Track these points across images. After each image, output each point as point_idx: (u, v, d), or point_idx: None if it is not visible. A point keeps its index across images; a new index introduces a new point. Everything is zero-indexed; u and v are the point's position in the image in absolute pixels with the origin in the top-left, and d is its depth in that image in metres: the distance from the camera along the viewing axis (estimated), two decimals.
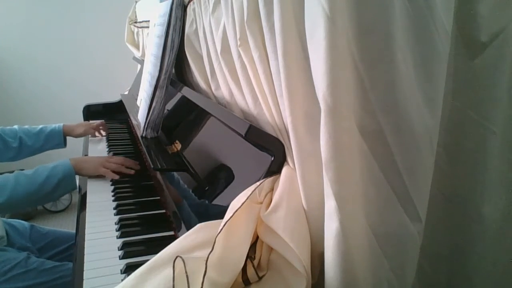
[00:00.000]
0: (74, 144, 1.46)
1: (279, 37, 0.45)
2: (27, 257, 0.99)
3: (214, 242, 0.47)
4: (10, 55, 2.34)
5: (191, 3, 0.85)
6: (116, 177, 1.06)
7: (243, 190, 0.53)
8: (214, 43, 0.73)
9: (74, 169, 1.02)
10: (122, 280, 0.61)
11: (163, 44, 0.91)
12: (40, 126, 1.37)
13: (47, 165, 0.99)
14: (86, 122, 1.52)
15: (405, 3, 0.39)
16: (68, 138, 1.43)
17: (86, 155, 1.34)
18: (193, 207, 0.74)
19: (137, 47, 1.83)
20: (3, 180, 0.92)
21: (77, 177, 1.12)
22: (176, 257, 0.46)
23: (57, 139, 1.38)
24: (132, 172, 1.10)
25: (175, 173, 0.89)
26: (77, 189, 1.07)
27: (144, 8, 1.62)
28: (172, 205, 0.84)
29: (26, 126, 1.36)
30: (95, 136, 1.49)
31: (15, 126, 1.34)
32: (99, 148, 1.40)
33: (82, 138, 1.50)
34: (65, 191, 1.02)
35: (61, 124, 1.40)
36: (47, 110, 2.39)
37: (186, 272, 0.44)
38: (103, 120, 1.56)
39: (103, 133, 1.51)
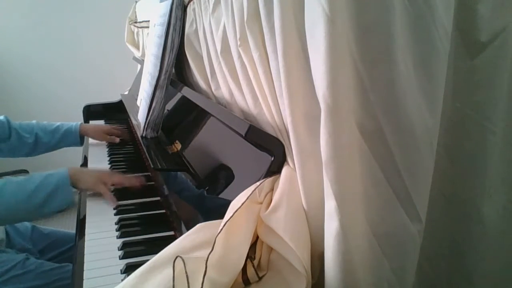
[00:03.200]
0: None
1: (279, 37, 0.45)
2: (26, 258, 0.98)
3: (214, 242, 0.47)
4: (10, 55, 2.34)
5: (191, 3, 0.85)
6: (115, 202, 0.94)
7: (243, 190, 0.53)
8: (214, 43, 0.73)
9: (70, 179, 0.91)
10: (122, 280, 0.61)
11: (163, 44, 0.91)
12: (57, 124, 1.35)
13: (43, 173, 0.91)
14: (103, 125, 1.46)
15: (405, 3, 0.39)
16: None
17: (86, 157, 1.32)
18: (193, 207, 0.74)
19: (137, 47, 1.83)
20: None
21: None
22: (176, 257, 0.46)
23: (73, 138, 1.35)
24: (138, 186, 1.00)
25: (175, 174, 0.89)
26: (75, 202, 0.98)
27: (144, 8, 1.62)
28: (172, 206, 0.84)
29: (45, 122, 1.34)
30: (111, 140, 1.41)
31: (33, 121, 1.32)
32: (98, 149, 1.40)
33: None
34: (61, 203, 0.90)
35: (78, 124, 1.36)
36: (47, 110, 2.39)
37: (186, 272, 0.44)
38: (118, 127, 1.48)
39: (117, 139, 1.41)
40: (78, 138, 1.36)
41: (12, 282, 0.92)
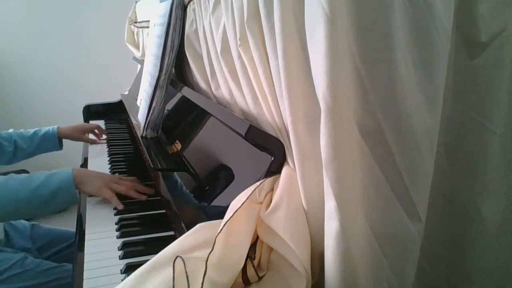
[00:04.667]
0: (73, 145, 1.45)
1: (279, 37, 0.45)
2: (24, 257, 0.98)
3: (214, 242, 0.47)
4: (10, 55, 2.34)
5: (191, 3, 0.85)
6: (121, 206, 0.90)
7: (243, 190, 0.53)
8: (214, 43, 0.73)
9: (74, 180, 0.90)
10: (122, 280, 0.61)
11: (163, 44, 0.91)
12: (35, 129, 1.34)
13: (46, 171, 0.90)
14: (81, 124, 1.46)
15: (405, 3, 0.39)
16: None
17: (86, 158, 1.31)
18: (193, 207, 0.74)
19: (137, 47, 1.83)
20: None
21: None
22: (176, 257, 0.46)
23: (51, 141, 1.34)
24: (144, 197, 0.94)
25: (175, 174, 0.89)
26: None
27: (144, 8, 1.62)
28: (172, 206, 0.84)
29: (21, 130, 1.33)
30: (88, 141, 1.43)
31: (10, 130, 1.32)
32: (98, 149, 1.40)
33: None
34: (63, 203, 0.90)
35: (55, 127, 1.36)
36: (47, 110, 2.39)
37: (186, 272, 0.44)
38: (98, 124, 1.49)
39: (97, 138, 1.45)
40: (57, 141, 1.35)
41: (10, 281, 0.92)
